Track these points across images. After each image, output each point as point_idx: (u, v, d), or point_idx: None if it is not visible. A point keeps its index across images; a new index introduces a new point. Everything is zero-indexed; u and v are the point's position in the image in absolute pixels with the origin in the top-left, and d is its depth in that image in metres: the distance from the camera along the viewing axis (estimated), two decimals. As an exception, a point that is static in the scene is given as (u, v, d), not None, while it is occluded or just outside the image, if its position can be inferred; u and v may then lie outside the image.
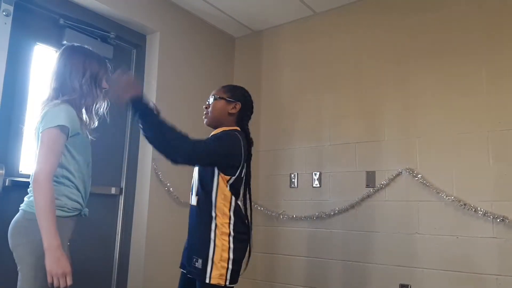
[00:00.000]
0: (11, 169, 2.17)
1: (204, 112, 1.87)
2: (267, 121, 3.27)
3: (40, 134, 1.49)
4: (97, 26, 2.63)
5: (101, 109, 1.72)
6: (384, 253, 2.58)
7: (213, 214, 1.68)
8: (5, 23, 2.16)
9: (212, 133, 1.82)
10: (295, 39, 3.24)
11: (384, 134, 2.71)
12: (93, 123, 1.70)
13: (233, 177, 1.72)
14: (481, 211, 2.29)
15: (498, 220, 2.24)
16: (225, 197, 1.70)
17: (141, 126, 1.60)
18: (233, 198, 1.72)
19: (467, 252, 2.32)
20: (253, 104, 1.93)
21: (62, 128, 1.48)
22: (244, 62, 3.51)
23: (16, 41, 2.24)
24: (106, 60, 1.73)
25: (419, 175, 2.51)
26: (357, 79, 2.87)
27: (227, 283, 1.63)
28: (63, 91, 1.59)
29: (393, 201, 2.60)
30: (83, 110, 1.65)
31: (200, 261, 1.64)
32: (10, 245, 1.48)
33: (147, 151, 2.78)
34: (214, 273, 1.61)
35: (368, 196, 2.68)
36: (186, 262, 1.74)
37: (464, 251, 2.33)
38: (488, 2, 2.46)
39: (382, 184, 2.64)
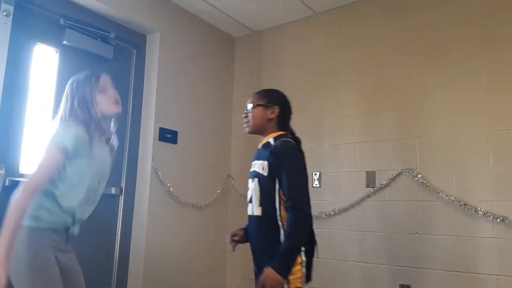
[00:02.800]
0: (11, 169, 2.17)
1: (245, 121, 1.91)
2: (267, 121, 3.26)
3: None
4: (97, 26, 2.63)
5: (113, 121, 1.76)
6: (384, 253, 2.58)
7: (279, 223, 1.69)
8: (5, 23, 2.16)
9: (262, 143, 1.85)
10: (295, 39, 3.24)
11: (384, 134, 2.70)
12: (113, 138, 1.76)
13: None
14: (481, 211, 2.29)
15: (498, 220, 2.24)
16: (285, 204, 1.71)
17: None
18: None
19: (467, 252, 2.32)
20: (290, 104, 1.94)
21: (62, 148, 1.51)
22: (244, 62, 3.51)
23: (16, 41, 2.24)
24: (93, 74, 1.69)
25: (419, 175, 2.51)
26: (357, 79, 2.87)
27: (304, 284, 1.65)
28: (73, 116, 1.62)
29: (393, 201, 2.60)
30: (96, 133, 1.66)
31: None
32: None
33: (147, 151, 2.78)
34: (292, 277, 1.61)
35: (368, 196, 2.68)
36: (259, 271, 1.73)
37: (465, 251, 2.33)
38: (488, 1, 2.46)
39: (382, 184, 2.63)
